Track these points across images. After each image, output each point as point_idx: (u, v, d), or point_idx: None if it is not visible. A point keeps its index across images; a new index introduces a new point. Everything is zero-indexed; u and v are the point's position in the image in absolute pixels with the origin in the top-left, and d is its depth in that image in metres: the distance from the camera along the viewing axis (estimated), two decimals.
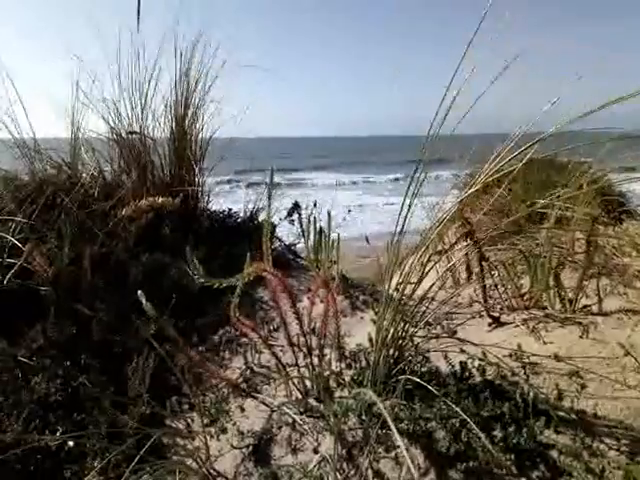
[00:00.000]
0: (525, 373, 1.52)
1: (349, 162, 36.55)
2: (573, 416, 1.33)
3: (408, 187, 1.51)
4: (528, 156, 1.40)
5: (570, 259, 2.58)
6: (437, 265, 2.34)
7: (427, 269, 1.65)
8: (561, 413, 1.35)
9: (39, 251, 2.28)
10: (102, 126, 3.26)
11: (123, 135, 3.18)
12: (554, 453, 1.25)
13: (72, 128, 3.20)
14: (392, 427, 0.89)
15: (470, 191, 1.49)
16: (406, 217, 1.54)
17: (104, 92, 3.16)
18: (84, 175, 3.25)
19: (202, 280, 1.41)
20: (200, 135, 3.33)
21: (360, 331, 2.13)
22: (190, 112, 3.22)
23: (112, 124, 3.20)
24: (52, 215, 2.72)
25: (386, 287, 1.62)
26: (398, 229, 1.56)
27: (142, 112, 3.19)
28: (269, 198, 1.73)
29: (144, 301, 1.58)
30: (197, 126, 3.31)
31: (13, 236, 2.39)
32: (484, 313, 2.07)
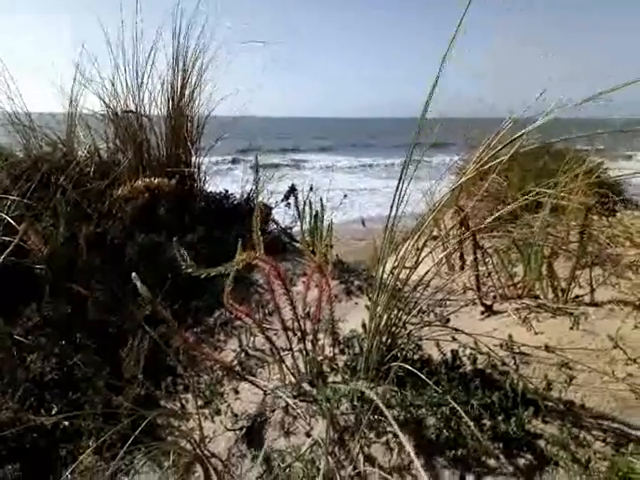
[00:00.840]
0: (515, 363, 1.54)
1: (351, 144, 36.14)
2: (561, 406, 1.36)
3: (402, 170, 1.51)
4: (516, 147, 1.40)
5: (564, 248, 2.59)
6: (432, 251, 2.36)
7: (422, 254, 1.66)
8: (549, 403, 1.37)
9: (34, 230, 2.27)
10: (98, 103, 3.23)
11: (119, 113, 3.14)
12: (541, 442, 1.28)
13: (68, 106, 3.17)
14: (387, 415, 0.90)
15: (461, 180, 1.49)
16: (400, 201, 1.54)
17: (101, 70, 3.12)
18: (80, 153, 3.23)
19: (189, 270, 1.41)
20: (197, 115, 3.29)
21: (354, 316, 2.15)
22: (187, 92, 3.19)
23: (108, 102, 3.16)
24: (47, 193, 2.70)
25: (380, 272, 1.62)
26: (393, 213, 1.55)
27: (139, 91, 3.15)
28: (256, 187, 1.72)
29: (139, 284, 1.58)
30: (194, 106, 3.28)
31: (8, 214, 2.38)
32: (477, 301, 2.09)
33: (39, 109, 3.37)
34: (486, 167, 1.44)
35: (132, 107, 3.16)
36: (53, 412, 1.72)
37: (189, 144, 3.21)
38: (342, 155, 30.06)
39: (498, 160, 1.41)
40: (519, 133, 1.36)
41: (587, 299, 2.02)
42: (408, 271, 1.64)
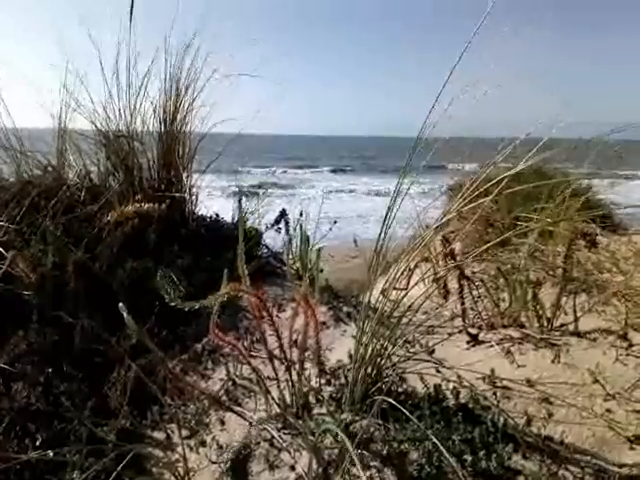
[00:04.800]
0: (497, 398, 1.56)
1: (349, 164, 35.93)
2: (540, 442, 1.37)
3: (394, 192, 1.54)
4: (501, 186, 1.43)
5: (551, 274, 2.62)
6: (424, 276, 2.37)
7: (413, 276, 1.68)
8: (529, 439, 1.39)
9: (22, 256, 2.28)
10: (89, 126, 3.25)
11: (111, 137, 3.17)
12: (521, 479, 1.29)
13: (57, 129, 3.19)
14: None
15: (443, 220, 1.52)
16: (390, 223, 1.57)
17: (92, 94, 3.15)
18: (70, 176, 3.24)
19: (173, 304, 1.43)
20: (189, 139, 3.32)
21: (342, 345, 2.16)
22: (179, 116, 3.22)
23: (100, 126, 3.18)
24: (37, 218, 2.70)
25: (367, 300, 1.65)
26: (382, 235, 1.58)
27: (131, 115, 3.18)
28: (241, 218, 1.74)
29: (125, 315, 1.59)
30: (186, 130, 3.31)
31: None
32: (463, 330, 2.11)
33: (23, 123, 3.36)
34: (470, 206, 1.47)
35: (124, 131, 3.18)
36: (38, 443, 1.71)
37: (181, 168, 3.24)
38: (341, 174, 30.03)
39: (479, 201, 1.44)
40: (501, 176, 1.40)
41: (571, 327, 2.04)
42: (399, 293, 1.66)
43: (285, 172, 28.86)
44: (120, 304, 1.59)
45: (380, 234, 1.59)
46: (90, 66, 3.09)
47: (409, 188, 1.59)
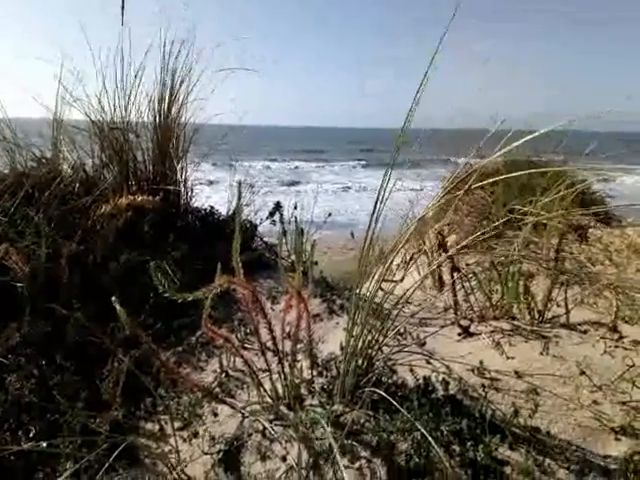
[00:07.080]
0: (485, 390, 1.57)
1: (354, 157, 35.71)
2: (527, 434, 1.39)
3: (380, 186, 1.54)
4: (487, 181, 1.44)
5: (545, 266, 2.63)
6: (419, 267, 2.39)
7: (408, 268, 1.69)
8: (516, 430, 1.40)
9: (16, 248, 2.28)
10: (84, 118, 3.24)
11: (105, 130, 3.16)
12: (508, 469, 1.31)
13: (53, 121, 3.17)
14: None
15: (423, 213, 1.53)
16: (377, 219, 1.57)
17: (87, 86, 3.14)
18: (65, 168, 3.23)
19: (167, 295, 1.43)
20: (183, 132, 3.32)
21: (335, 337, 2.17)
22: (174, 109, 3.21)
23: (94, 118, 3.17)
24: (31, 210, 2.70)
25: (358, 291, 1.66)
26: (372, 226, 1.59)
27: (125, 107, 3.17)
28: (238, 211, 1.74)
29: (118, 307, 1.60)
30: (181, 122, 3.30)
31: None
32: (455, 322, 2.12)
33: (17, 114, 3.34)
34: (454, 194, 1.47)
35: (118, 123, 3.17)
36: (31, 434, 1.72)
37: (175, 160, 3.24)
38: (338, 166, 29.98)
39: (457, 193, 1.45)
40: (491, 179, 1.40)
41: (563, 319, 2.05)
42: (391, 285, 1.68)
43: (290, 165, 28.79)
44: (113, 297, 1.60)
45: (369, 226, 1.59)
46: (85, 58, 3.08)
47: (397, 180, 1.59)
